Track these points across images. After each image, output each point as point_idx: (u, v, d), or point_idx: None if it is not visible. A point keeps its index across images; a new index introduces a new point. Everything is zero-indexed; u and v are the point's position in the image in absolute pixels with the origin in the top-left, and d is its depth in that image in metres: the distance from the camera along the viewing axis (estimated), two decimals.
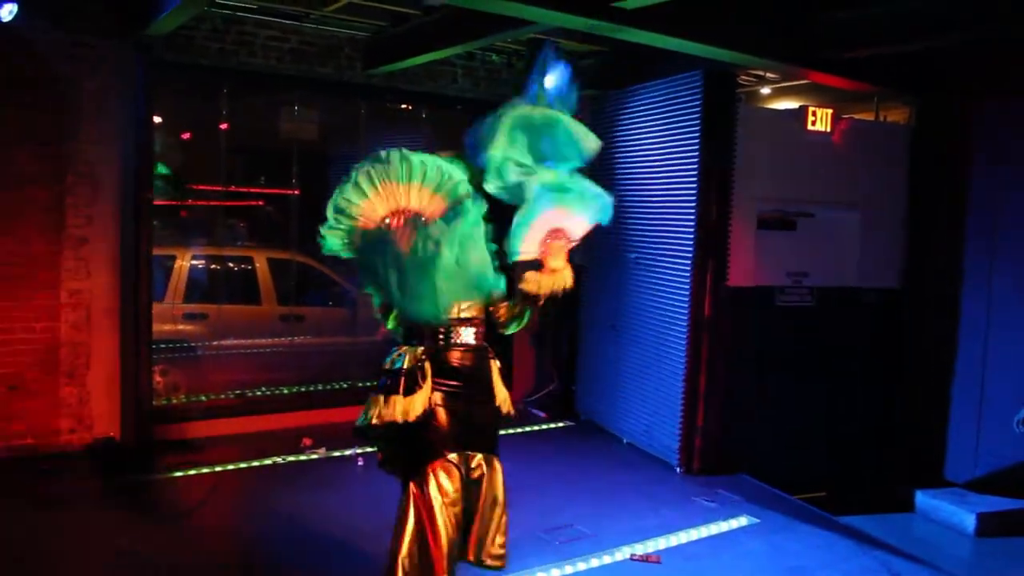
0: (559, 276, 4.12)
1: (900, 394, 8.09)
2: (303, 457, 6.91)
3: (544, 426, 8.38)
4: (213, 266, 9.08)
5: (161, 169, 7.59)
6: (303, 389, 8.38)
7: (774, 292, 7.67)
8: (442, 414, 4.07)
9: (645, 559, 5.27)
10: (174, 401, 7.86)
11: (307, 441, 7.19)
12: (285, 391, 8.36)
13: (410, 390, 3.97)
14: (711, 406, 7.03)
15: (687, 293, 6.97)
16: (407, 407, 3.95)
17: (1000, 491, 7.10)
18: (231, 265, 9.24)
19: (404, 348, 4.10)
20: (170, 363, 8.12)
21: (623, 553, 5.32)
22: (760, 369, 7.52)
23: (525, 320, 4.22)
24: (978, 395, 7.41)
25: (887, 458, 8.04)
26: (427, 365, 4.05)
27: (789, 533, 5.84)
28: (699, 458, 7.04)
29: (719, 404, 7.07)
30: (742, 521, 6.01)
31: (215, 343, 8.65)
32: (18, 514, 5.58)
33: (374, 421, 3.97)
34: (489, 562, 4.23)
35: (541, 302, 4.12)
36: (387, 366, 4.10)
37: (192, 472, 6.49)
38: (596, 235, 7.32)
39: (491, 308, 4.20)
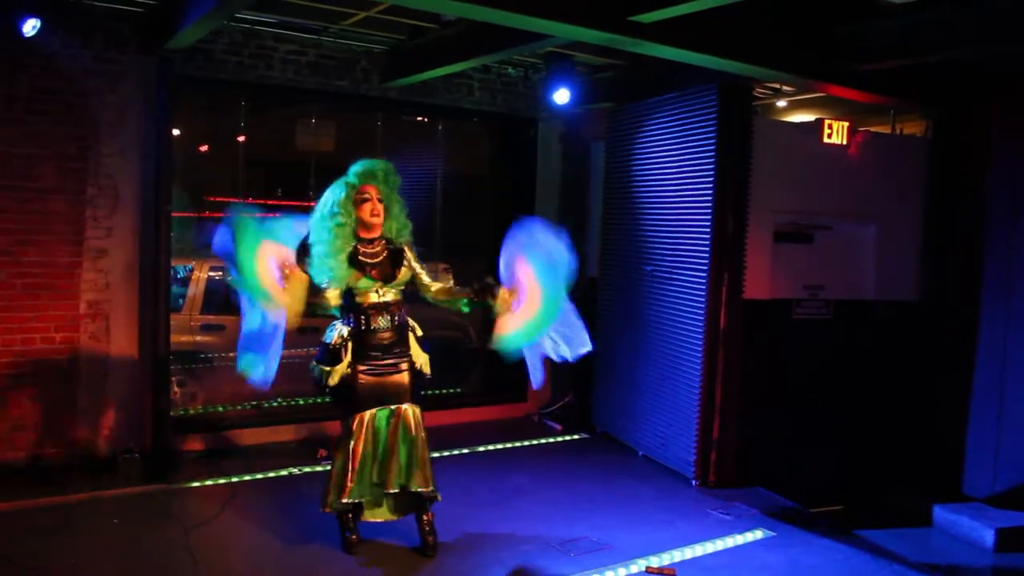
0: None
1: (917, 407, 8.04)
2: (319, 468, 6.93)
3: (560, 438, 8.38)
4: (231, 277, 9.11)
5: None
6: (319, 400, 8.40)
7: (791, 305, 7.66)
8: (363, 381, 5.22)
9: (660, 571, 5.26)
10: (191, 411, 7.91)
11: (323, 452, 7.22)
12: (301, 402, 8.40)
13: (333, 363, 5.22)
14: (727, 419, 7.02)
15: (703, 305, 6.96)
16: (330, 375, 5.23)
17: (1020, 506, 7.04)
18: None
19: (338, 325, 5.31)
20: (187, 374, 8.17)
21: (638, 565, 5.30)
22: (776, 382, 7.50)
23: (461, 305, 5.36)
24: (997, 408, 7.36)
25: (904, 472, 7.99)
26: (349, 345, 5.23)
27: (805, 547, 5.81)
28: (715, 471, 7.02)
29: (735, 417, 7.06)
30: (758, 534, 5.98)
31: (232, 354, 8.67)
32: (35, 523, 5.61)
33: (320, 380, 5.28)
34: (416, 487, 5.24)
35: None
36: (323, 339, 5.34)
37: (209, 482, 6.53)
38: (612, 248, 7.52)
39: (423, 284, 5.38)
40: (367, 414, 5.21)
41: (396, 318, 5.30)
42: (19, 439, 6.59)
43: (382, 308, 5.24)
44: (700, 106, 7.08)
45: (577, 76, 7.76)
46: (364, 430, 5.20)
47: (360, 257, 5.17)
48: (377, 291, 5.23)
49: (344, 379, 5.23)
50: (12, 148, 6.40)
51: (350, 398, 5.25)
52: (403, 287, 5.35)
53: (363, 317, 5.23)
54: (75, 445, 6.81)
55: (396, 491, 5.23)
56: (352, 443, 5.20)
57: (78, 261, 6.75)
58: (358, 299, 5.22)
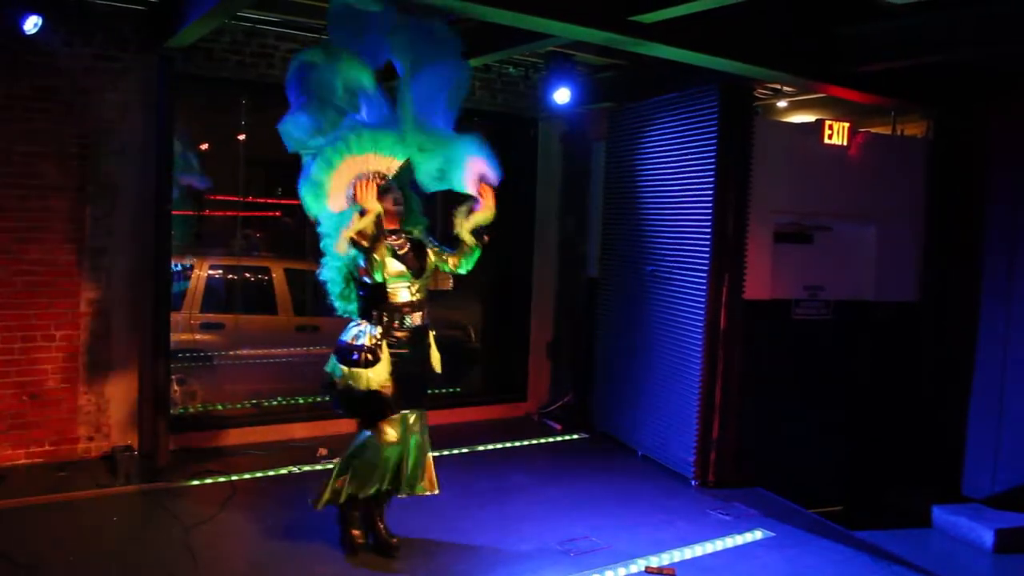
0: (491, 212, 5.20)
1: (917, 409, 8.05)
2: (319, 467, 6.93)
3: (559, 438, 8.37)
4: (230, 276, 9.13)
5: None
6: (318, 399, 8.40)
7: (791, 305, 7.67)
8: (392, 383, 4.99)
9: (660, 571, 5.26)
10: (191, 410, 7.91)
11: (322, 451, 7.22)
12: (301, 401, 8.40)
13: (370, 364, 4.93)
14: (727, 419, 7.02)
15: (703, 306, 6.96)
16: (368, 379, 4.92)
17: (1019, 507, 7.04)
18: (248, 275, 9.30)
19: (364, 324, 5.06)
20: (187, 372, 8.17)
21: (638, 565, 5.31)
22: (776, 382, 7.50)
23: (475, 257, 5.31)
24: (997, 410, 7.37)
25: (904, 473, 8.00)
26: (384, 344, 4.98)
27: (805, 547, 5.82)
28: (714, 471, 7.02)
29: (735, 417, 7.06)
30: (757, 535, 5.99)
31: (232, 352, 8.69)
32: (35, 521, 5.62)
33: (340, 385, 5.00)
34: (422, 490, 5.30)
35: (484, 239, 5.28)
36: (351, 340, 5.02)
37: (208, 481, 6.52)
38: (613, 248, 7.46)
39: (443, 261, 5.27)
40: (400, 416, 5.07)
41: (423, 318, 5.20)
42: (19, 437, 6.59)
43: (416, 307, 5.13)
44: (701, 106, 7.08)
45: (578, 76, 7.75)
46: (391, 434, 5.05)
47: (390, 244, 5.03)
48: (409, 288, 5.09)
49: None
50: (13, 146, 6.40)
51: (376, 402, 5.00)
52: (429, 280, 5.27)
53: (397, 316, 5.06)
54: (74, 443, 6.81)
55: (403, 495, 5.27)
56: (391, 443, 5.05)
57: (79, 259, 6.74)
58: (390, 298, 5.04)
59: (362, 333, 5.03)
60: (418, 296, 5.15)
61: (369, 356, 4.94)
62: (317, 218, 5.11)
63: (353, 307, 5.26)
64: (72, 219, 6.70)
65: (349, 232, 4.81)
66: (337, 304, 5.30)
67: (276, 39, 7.39)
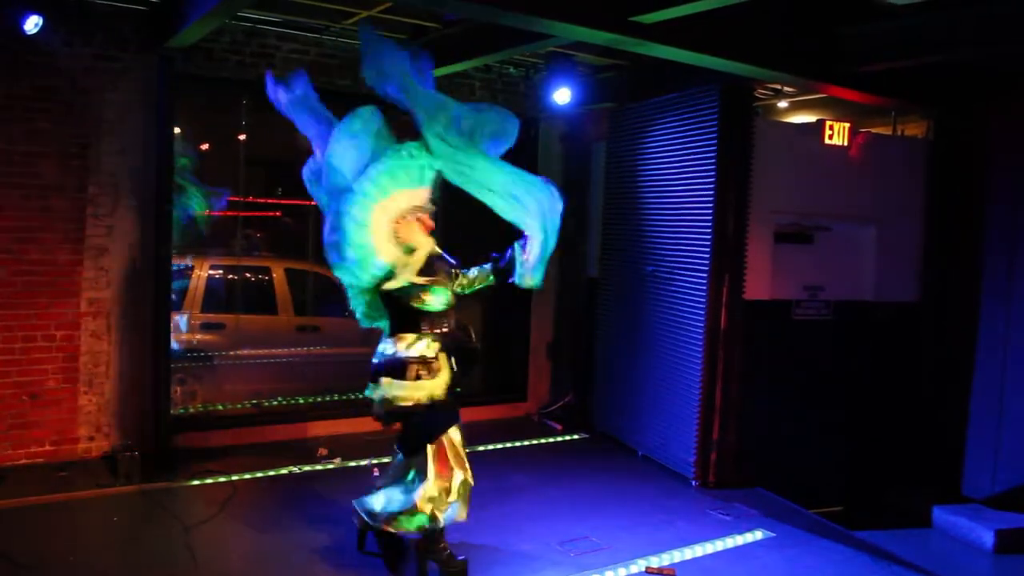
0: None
1: (917, 409, 8.05)
2: (319, 467, 6.94)
3: (559, 438, 8.38)
4: (231, 276, 9.13)
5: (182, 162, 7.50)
6: (319, 399, 8.41)
7: (791, 305, 7.67)
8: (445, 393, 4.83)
9: (660, 571, 5.26)
10: (191, 410, 7.91)
11: (322, 451, 7.22)
12: (301, 401, 8.40)
13: (433, 374, 4.77)
14: (727, 419, 7.02)
15: (703, 306, 6.96)
16: (432, 390, 4.75)
17: (1019, 508, 7.04)
18: (248, 275, 9.29)
19: (410, 337, 4.82)
20: (187, 372, 8.17)
21: (638, 566, 5.31)
22: (776, 382, 7.51)
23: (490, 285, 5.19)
24: (997, 410, 7.37)
25: (904, 473, 8.00)
26: (441, 354, 4.81)
27: (805, 547, 5.82)
28: (715, 471, 7.02)
29: (735, 417, 7.06)
30: (757, 535, 5.99)
31: (232, 353, 8.68)
32: (35, 521, 5.62)
33: (405, 403, 4.73)
34: None
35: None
36: (406, 355, 4.77)
37: (209, 481, 6.52)
38: (613, 248, 7.43)
39: (461, 284, 5.08)
40: (453, 431, 4.90)
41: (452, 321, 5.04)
42: (19, 437, 6.59)
43: (451, 312, 4.98)
44: (701, 107, 7.08)
45: (578, 76, 7.76)
46: (456, 438, 4.90)
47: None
48: (445, 294, 4.91)
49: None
50: (13, 146, 6.40)
51: (437, 414, 4.84)
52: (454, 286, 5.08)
53: (444, 324, 4.91)
54: (75, 443, 6.82)
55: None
56: (447, 460, 4.85)
57: (79, 259, 6.75)
58: (435, 307, 4.88)
59: (416, 346, 4.82)
60: (451, 302, 5.01)
61: (432, 366, 4.78)
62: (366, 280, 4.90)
63: (380, 317, 5.10)
64: (73, 219, 6.70)
65: (408, 275, 4.79)
66: (360, 312, 5.15)
67: (276, 39, 7.40)
